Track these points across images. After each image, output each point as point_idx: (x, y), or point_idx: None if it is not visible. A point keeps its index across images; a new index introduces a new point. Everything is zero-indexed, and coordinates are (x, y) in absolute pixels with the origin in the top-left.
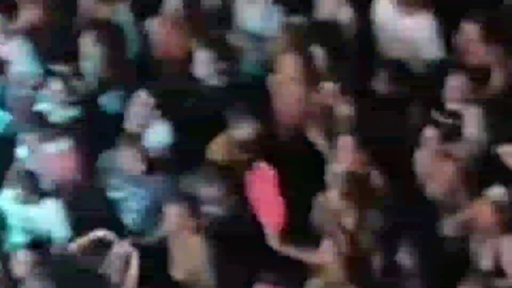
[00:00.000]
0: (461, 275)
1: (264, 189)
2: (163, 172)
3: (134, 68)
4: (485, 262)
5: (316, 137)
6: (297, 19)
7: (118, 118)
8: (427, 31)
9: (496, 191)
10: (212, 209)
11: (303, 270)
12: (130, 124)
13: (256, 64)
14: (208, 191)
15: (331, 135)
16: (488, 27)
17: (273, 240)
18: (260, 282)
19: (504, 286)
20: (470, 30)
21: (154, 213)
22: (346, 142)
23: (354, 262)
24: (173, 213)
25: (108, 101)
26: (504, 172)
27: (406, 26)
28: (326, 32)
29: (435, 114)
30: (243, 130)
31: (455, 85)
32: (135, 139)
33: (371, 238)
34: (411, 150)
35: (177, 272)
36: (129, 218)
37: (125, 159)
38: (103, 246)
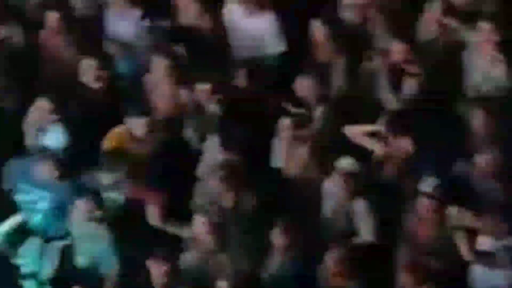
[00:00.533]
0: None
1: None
2: (68, 174)
3: (28, 77)
4: (341, 225)
5: (189, 131)
6: (162, 23)
7: (17, 122)
8: (269, 29)
9: (345, 162)
10: (111, 195)
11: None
12: (28, 129)
13: (130, 67)
14: (107, 177)
15: (204, 129)
16: (333, 27)
17: (153, 221)
18: (152, 258)
19: (359, 242)
20: (317, 29)
21: (59, 211)
22: (216, 137)
23: (227, 234)
24: (80, 207)
25: (6, 106)
26: (353, 148)
27: (251, 25)
28: (188, 34)
29: (288, 106)
30: (137, 124)
31: (304, 85)
32: (48, 150)
33: (247, 218)
34: (270, 137)
35: (82, 259)
36: (36, 218)
37: (40, 169)
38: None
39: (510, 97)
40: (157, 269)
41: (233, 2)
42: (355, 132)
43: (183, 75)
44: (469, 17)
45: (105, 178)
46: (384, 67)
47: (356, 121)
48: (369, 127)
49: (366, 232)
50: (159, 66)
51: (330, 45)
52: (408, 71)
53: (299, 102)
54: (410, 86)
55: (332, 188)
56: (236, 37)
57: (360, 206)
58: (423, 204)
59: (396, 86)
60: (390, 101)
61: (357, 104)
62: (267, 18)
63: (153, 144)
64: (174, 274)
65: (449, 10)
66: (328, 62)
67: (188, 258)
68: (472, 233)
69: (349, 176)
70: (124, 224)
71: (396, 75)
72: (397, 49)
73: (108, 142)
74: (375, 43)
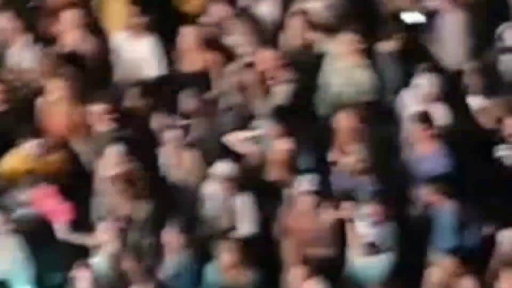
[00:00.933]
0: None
1: (48, 201)
2: None
3: None
4: (224, 222)
5: (81, 148)
6: (51, 49)
7: None
8: (149, 52)
9: (220, 167)
10: (24, 211)
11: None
12: None
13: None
14: (17, 196)
15: (98, 146)
16: (204, 35)
17: (61, 233)
18: (77, 266)
19: (241, 236)
20: (188, 37)
21: None
22: (112, 151)
23: (129, 240)
24: None
25: None
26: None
27: (134, 50)
28: (74, 59)
29: (174, 119)
30: (33, 145)
31: (185, 101)
32: None
33: (143, 222)
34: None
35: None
36: None
37: None
38: None
39: (371, 100)
40: (82, 276)
41: (117, 28)
42: (234, 139)
43: (76, 96)
44: (330, 29)
45: (19, 195)
46: (254, 75)
47: (235, 128)
48: (247, 134)
49: (245, 226)
50: (54, 89)
51: (200, 51)
52: (277, 77)
53: (183, 114)
54: (280, 91)
55: (213, 190)
56: (121, 61)
57: (239, 203)
58: (304, 200)
59: (267, 92)
60: (263, 106)
61: (235, 111)
62: (148, 43)
63: (51, 163)
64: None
65: (311, 23)
66: (201, 70)
67: (97, 265)
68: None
69: (225, 178)
70: (38, 235)
71: (266, 81)
72: (266, 57)
73: (8, 163)
74: (242, 53)
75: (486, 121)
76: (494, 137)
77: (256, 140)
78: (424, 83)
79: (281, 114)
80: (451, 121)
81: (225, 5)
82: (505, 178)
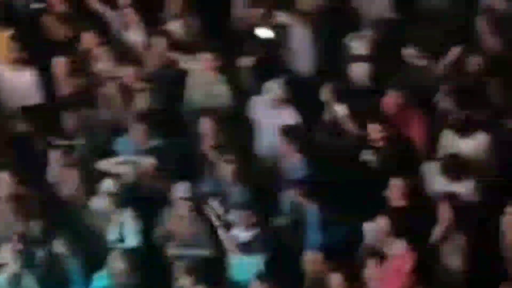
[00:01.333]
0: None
1: None
2: None
3: None
4: (112, 236)
5: None
6: None
7: None
8: (30, 82)
9: (106, 183)
10: None
11: None
12: None
13: None
14: None
15: None
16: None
17: None
18: None
19: (124, 246)
20: (59, 65)
21: None
22: (2, 174)
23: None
24: None
25: None
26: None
27: (16, 80)
28: None
29: (57, 140)
30: None
31: (66, 122)
32: None
33: (37, 239)
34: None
35: None
36: None
37: None
38: None
39: (231, 110)
40: None
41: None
42: (106, 165)
43: None
44: (190, 48)
45: None
46: (117, 90)
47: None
48: (117, 158)
49: (131, 238)
50: None
51: (71, 77)
52: (137, 88)
53: (66, 135)
54: (140, 100)
55: (99, 205)
56: (5, 90)
57: (124, 216)
58: (182, 206)
59: (129, 103)
60: (128, 117)
61: (108, 127)
62: (29, 73)
63: None
64: None
65: (172, 44)
66: (75, 93)
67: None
68: (227, 227)
69: (110, 194)
70: None
71: (128, 94)
72: (127, 72)
73: None
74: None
75: (350, 127)
76: (359, 142)
77: (125, 161)
78: (272, 88)
79: (145, 120)
80: (314, 128)
81: (94, 34)
82: (369, 179)
